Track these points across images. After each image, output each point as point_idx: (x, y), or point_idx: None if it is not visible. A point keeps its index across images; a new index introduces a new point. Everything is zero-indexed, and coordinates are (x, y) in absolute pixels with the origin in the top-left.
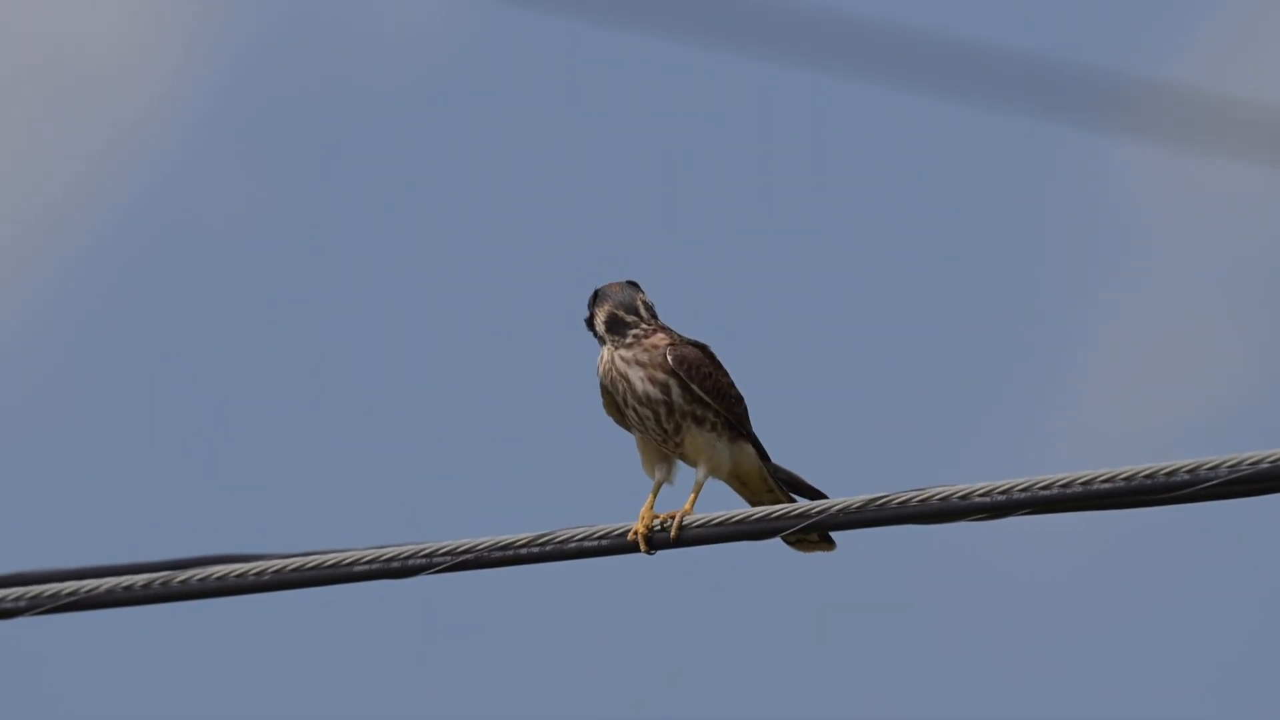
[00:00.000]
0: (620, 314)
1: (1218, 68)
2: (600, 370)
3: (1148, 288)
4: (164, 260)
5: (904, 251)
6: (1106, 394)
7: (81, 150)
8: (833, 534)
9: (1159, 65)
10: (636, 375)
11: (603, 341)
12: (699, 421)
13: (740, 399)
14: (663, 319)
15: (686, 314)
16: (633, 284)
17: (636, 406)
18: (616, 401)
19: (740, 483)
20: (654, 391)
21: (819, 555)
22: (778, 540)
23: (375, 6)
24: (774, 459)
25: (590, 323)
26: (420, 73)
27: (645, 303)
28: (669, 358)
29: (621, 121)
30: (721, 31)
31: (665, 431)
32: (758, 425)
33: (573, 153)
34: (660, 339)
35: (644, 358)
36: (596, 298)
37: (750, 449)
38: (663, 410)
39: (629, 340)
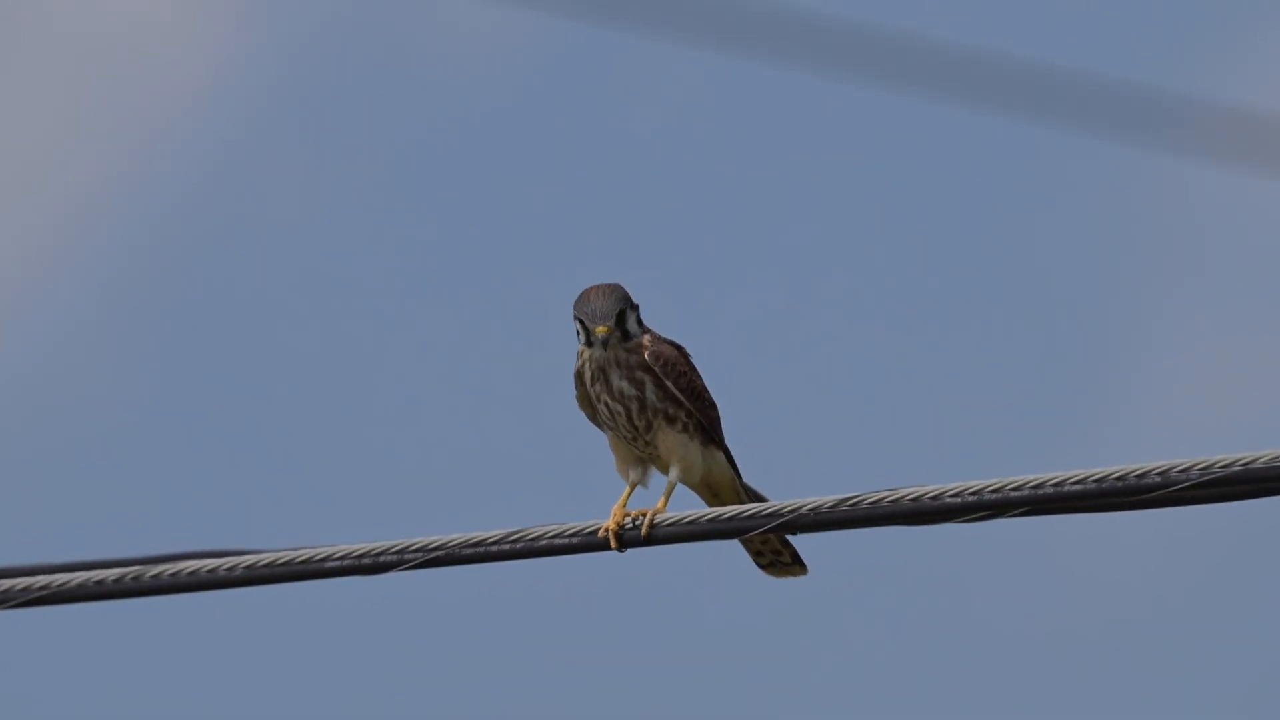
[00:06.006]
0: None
1: None
2: (578, 363)
3: (1231, 289)
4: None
5: (1002, 257)
6: (1195, 390)
7: (132, 126)
8: (817, 532)
9: (1239, 88)
10: (614, 370)
11: (590, 345)
12: (670, 420)
13: (713, 404)
14: (676, 322)
15: (771, 330)
16: (618, 290)
17: (609, 401)
18: (589, 395)
19: (712, 493)
20: (627, 387)
21: (791, 580)
22: (751, 565)
23: None
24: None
25: (586, 331)
26: (484, 53)
27: (633, 305)
28: (646, 354)
29: (679, 126)
30: (803, 52)
31: (635, 429)
32: (781, 434)
33: (611, 151)
34: (643, 338)
35: (622, 354)
36: (586, 308)
37: (722, 457)
38: (634, 406)
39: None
